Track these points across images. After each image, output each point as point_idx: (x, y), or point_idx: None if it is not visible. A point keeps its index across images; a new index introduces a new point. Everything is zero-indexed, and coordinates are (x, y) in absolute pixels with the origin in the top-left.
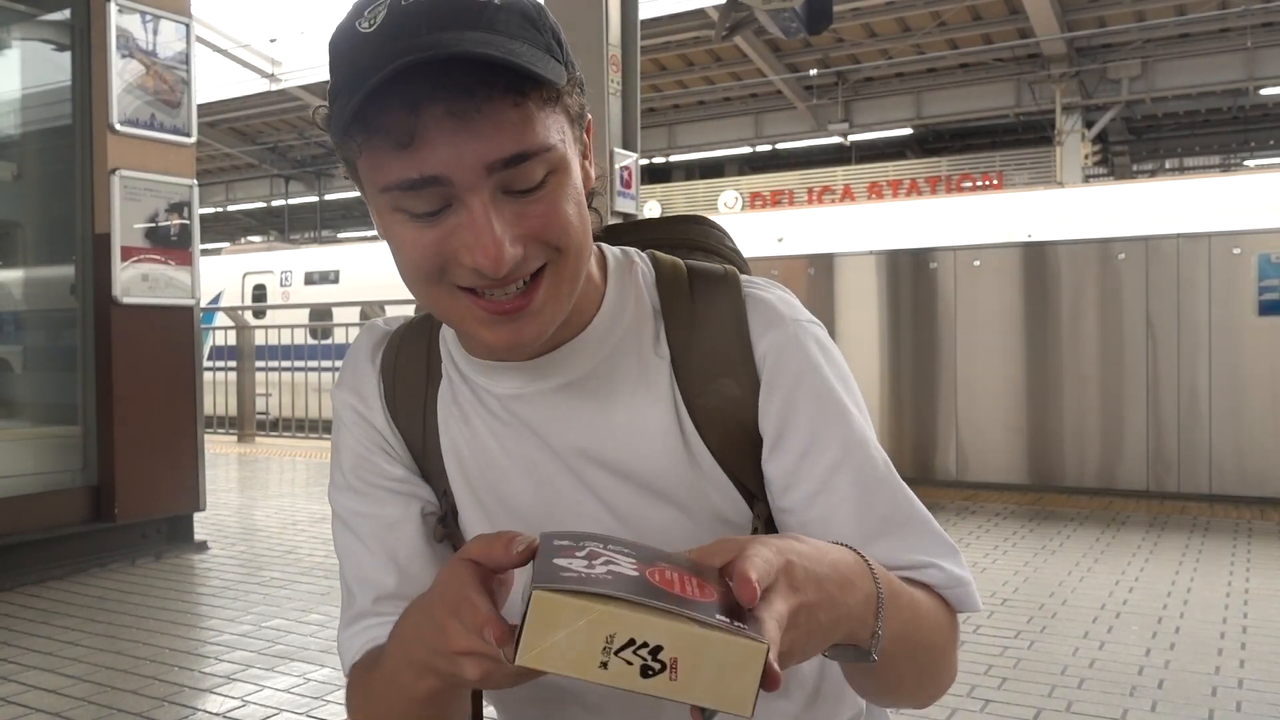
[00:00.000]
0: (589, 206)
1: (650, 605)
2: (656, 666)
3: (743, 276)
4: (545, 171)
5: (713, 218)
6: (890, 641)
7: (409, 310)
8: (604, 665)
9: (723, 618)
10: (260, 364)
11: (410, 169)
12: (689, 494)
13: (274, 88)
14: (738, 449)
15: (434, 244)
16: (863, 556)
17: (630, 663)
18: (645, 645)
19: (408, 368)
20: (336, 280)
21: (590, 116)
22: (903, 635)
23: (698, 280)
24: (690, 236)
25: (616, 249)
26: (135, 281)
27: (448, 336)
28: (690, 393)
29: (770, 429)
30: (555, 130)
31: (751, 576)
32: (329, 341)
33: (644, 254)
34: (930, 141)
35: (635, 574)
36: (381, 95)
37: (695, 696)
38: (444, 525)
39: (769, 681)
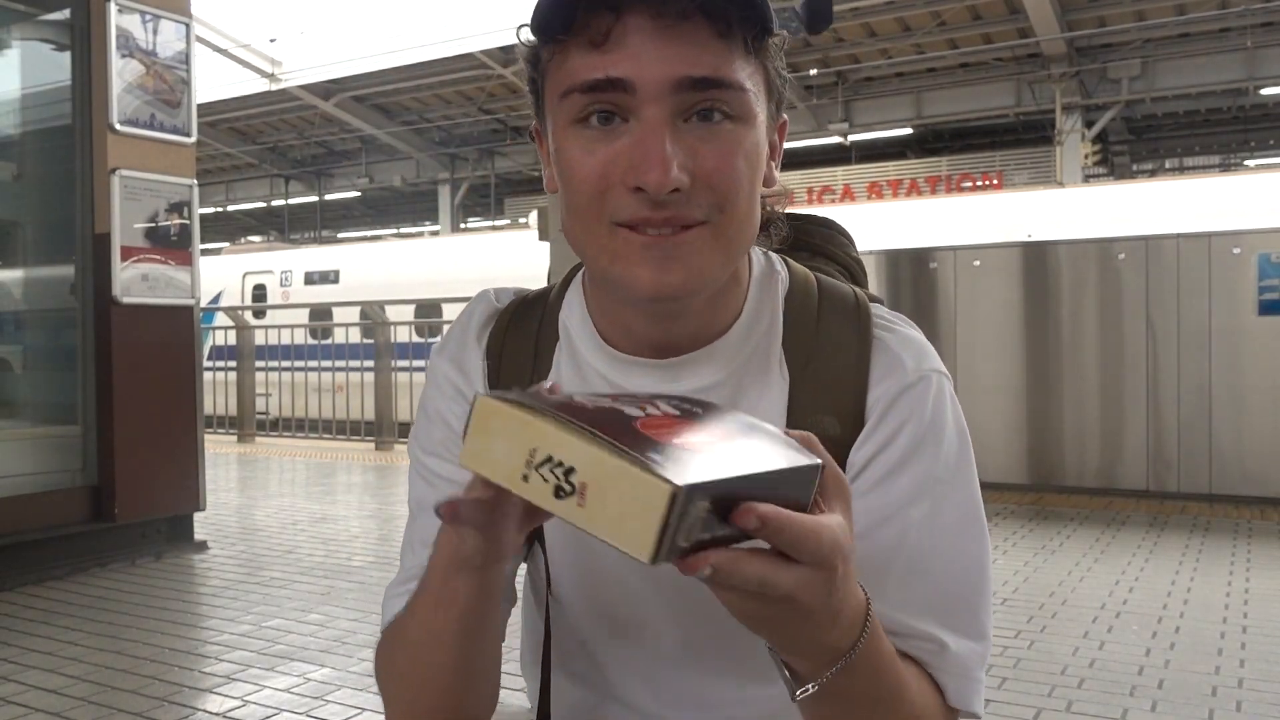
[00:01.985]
0: (765, 227)
1: (572, 424)
2: (568, 488)
3: (874, 311)
4: (732, 112)
5: None
6: (837, 700)
7: (408, 311)
8: (525, 479)
9: (651, 455)
10: (260, 364)
11: (598, 68)
12: None
13: (274, 88)
14: None
15: (601, 164)
16: (869, 617)
17: (546, 480)
18: (560, 464)
19: (514, 353)
20: (336, 280)
21: (786, 118)
22: (861, 702)
23: (826, 304)
24: (814, 240)
25: (760, 252)
26: (135, 281)
27: (571, 323)
28: (793, 422)
29: (856, 463)
30: (751, 80)
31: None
32: (329, 341)
33: (783, 261)
34: (930, 141)
35: (610, 409)
36: None
37: (599, 529)
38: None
39: (686, 566)
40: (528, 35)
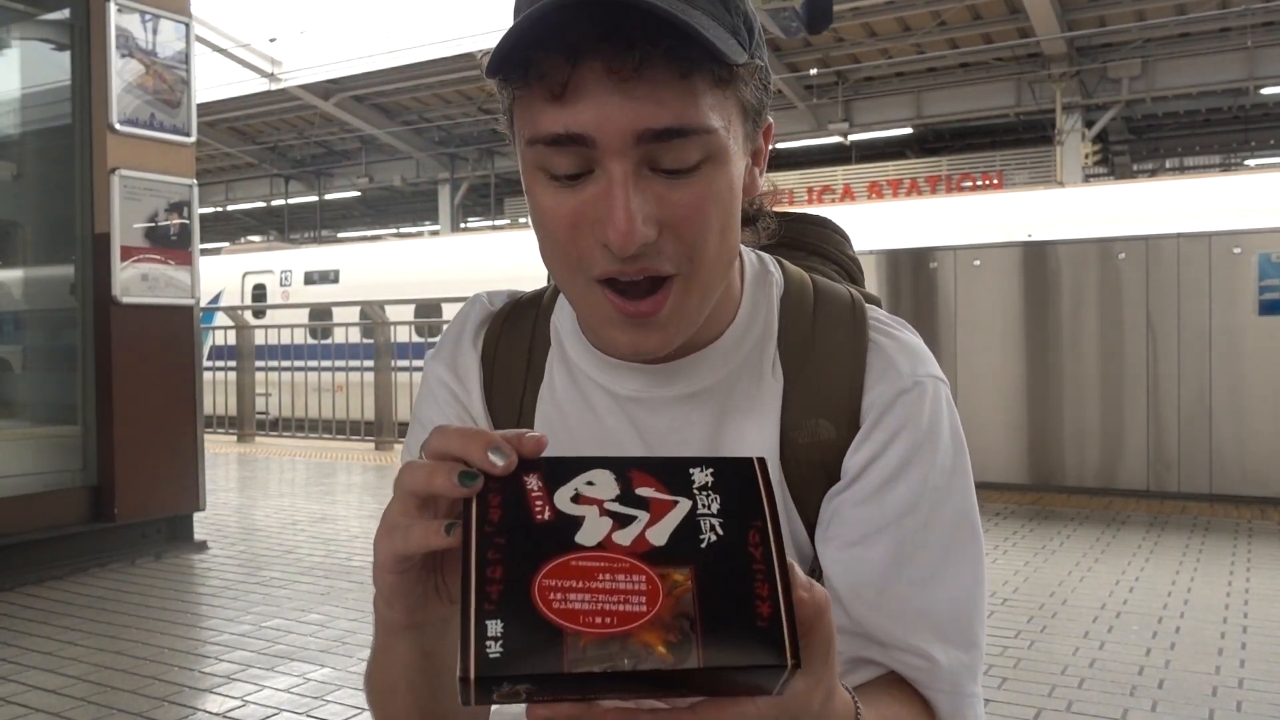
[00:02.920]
0: (752, 222)
1: (468, 543)
2: (460, 583)
3: (871, 314)
4: (700, 157)
5: None
6: None
7: (408, 311)
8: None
9: (490, 624)
10: (260, 364)
11: (557, 122)
12: None
13: (274, 87)
14: (812, 486)
15: (570, 214)
16: (858, 713)
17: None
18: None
19: (508, 359)
20: (336, 280)
21: (772, 120)
22: None
23: (822, 305)
24: (809, 239)
25: (754, 254)
26: (135, 281)
27: (562, 327)
28: (788, 424)
29: (851, 469)
30: (720, 115)
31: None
32: (329, 341)
33: (777, 262)
34: (930, 141)
35: (565, 516)
36: (541, 39)
37: (456, 638)
38: None
39: (530, 712)
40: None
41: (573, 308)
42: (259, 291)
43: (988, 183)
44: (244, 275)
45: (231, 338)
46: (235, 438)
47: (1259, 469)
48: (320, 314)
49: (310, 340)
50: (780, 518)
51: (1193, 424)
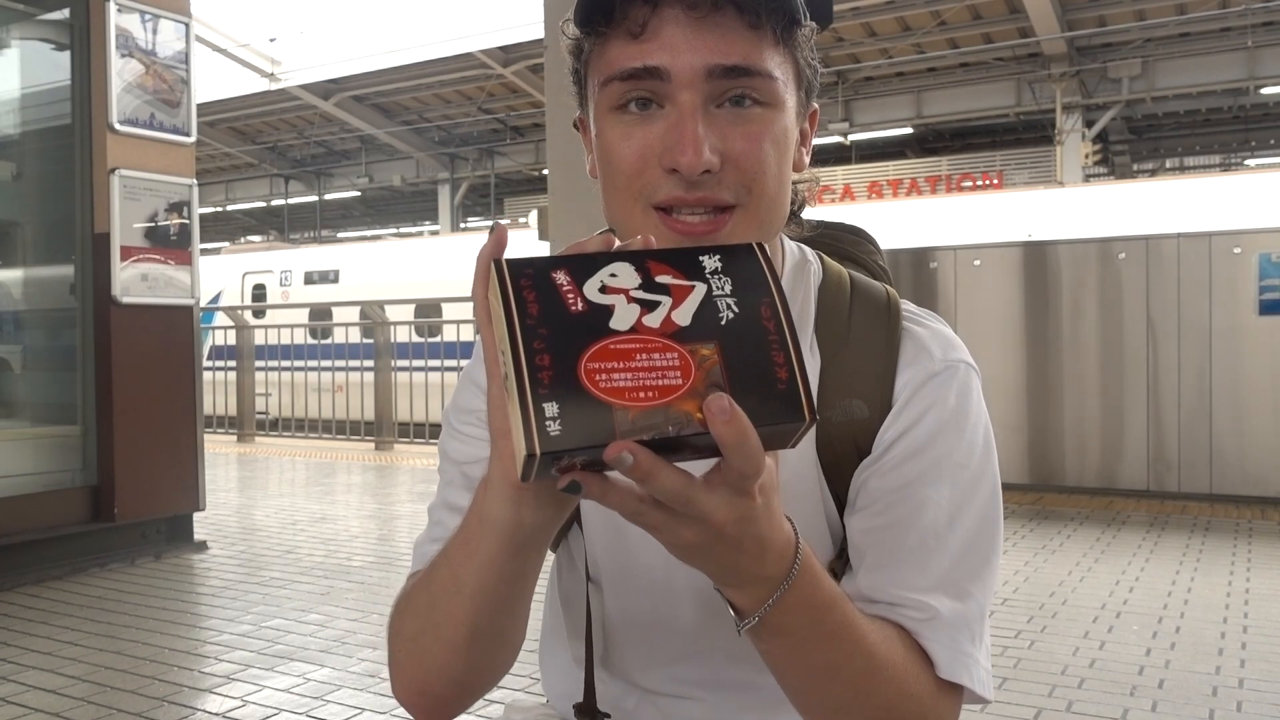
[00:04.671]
0: (796, 214)
1: (520, 335)
2: (510, 386)
3: (904, 306)
4: (759, 100)
5: None
6: (781, 636)
7: (408, 311)
8: (502, 353)
9: (546, 405)
10: (260, 364)
11: (635, 57)
12: (795, 494)
13: (274, 87)
14: (845, 464)
15: (639, 147)
16: (799, 549)
17: (501, 367)
18: (506, 363)
19: None
20: (336, 280)
21: (817, 107)
22: (807, 640)
23: (858, 298)
24: (843, 245)
25: (795, 245)
26: (135, 281)
27: None
28: (822, 404)
29: (881, 444)
30: (780, 69)
31: (722, 419)
32: (329, 341)
33: (816, 255)
34: (930, 141)
35: (600, 309)
36: None
37: (514, 423)
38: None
39: (559, 481)
40: (572, 29)
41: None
42: (259, 291)
43: (988, 183)
44: (244, 275)
45: (231, 338)
46: (235, 438)
47: (1259, 469)
48: (320, 314)
49: (310, 340)
50: (785, 299)
51: (1193, 424)
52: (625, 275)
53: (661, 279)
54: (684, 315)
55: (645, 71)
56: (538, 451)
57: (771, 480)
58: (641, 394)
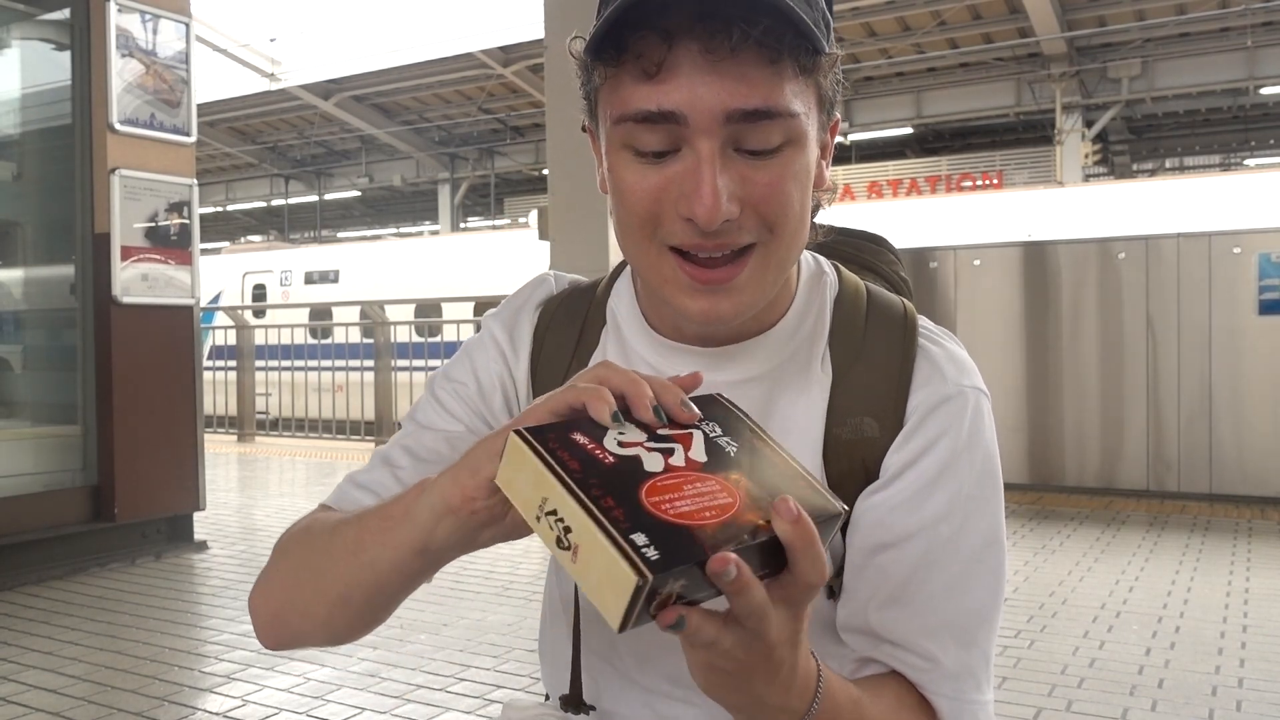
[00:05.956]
0: (812, 218)
1: (574, 487)
2: (566, 543)
3: (920, 323)
4: (782, 140)
5: None
6: None
7: (408, 311)
8: (538, 519)
9: (634, 537)
10: (260, 364)
11: (650, 100)
12: None
13: (274, 87)
14: (850, 482)
15: (654, 189)
16: (820, 680)
17: (551, 529)
18: (561, 520)
19: (558, 336)
20: (336, 280)
21: (839, 117)
22: None
23: (874, 311)
24: (864, 255)
25: (810, 255)
26: (135, 281)
27: (619, 309)
28: (832, 420)
29: (890, 468)
30: (802, 102)
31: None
32: (329, 341)
33: (833, 266)
34: (930, 141)
35: (631, 459)
36: (639, 19)
37: (587, 588)
38: None
39: (661, 619)
40: (579, 48)
41: (643, 278)
42: (259, 291)
43: (988, 182)
44: (244, 275)
45: (231, 337)
46: (235, 437)
47: (1259, 469)
48: (320, 314)
49: (310, 340)
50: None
51: (1193, 424)
52: (633, 431)
53: (662, 432)
54: (699, 454)
55: (661, 115)
56: (649, 575)
57: (810, 608)
58: (708, 513)
